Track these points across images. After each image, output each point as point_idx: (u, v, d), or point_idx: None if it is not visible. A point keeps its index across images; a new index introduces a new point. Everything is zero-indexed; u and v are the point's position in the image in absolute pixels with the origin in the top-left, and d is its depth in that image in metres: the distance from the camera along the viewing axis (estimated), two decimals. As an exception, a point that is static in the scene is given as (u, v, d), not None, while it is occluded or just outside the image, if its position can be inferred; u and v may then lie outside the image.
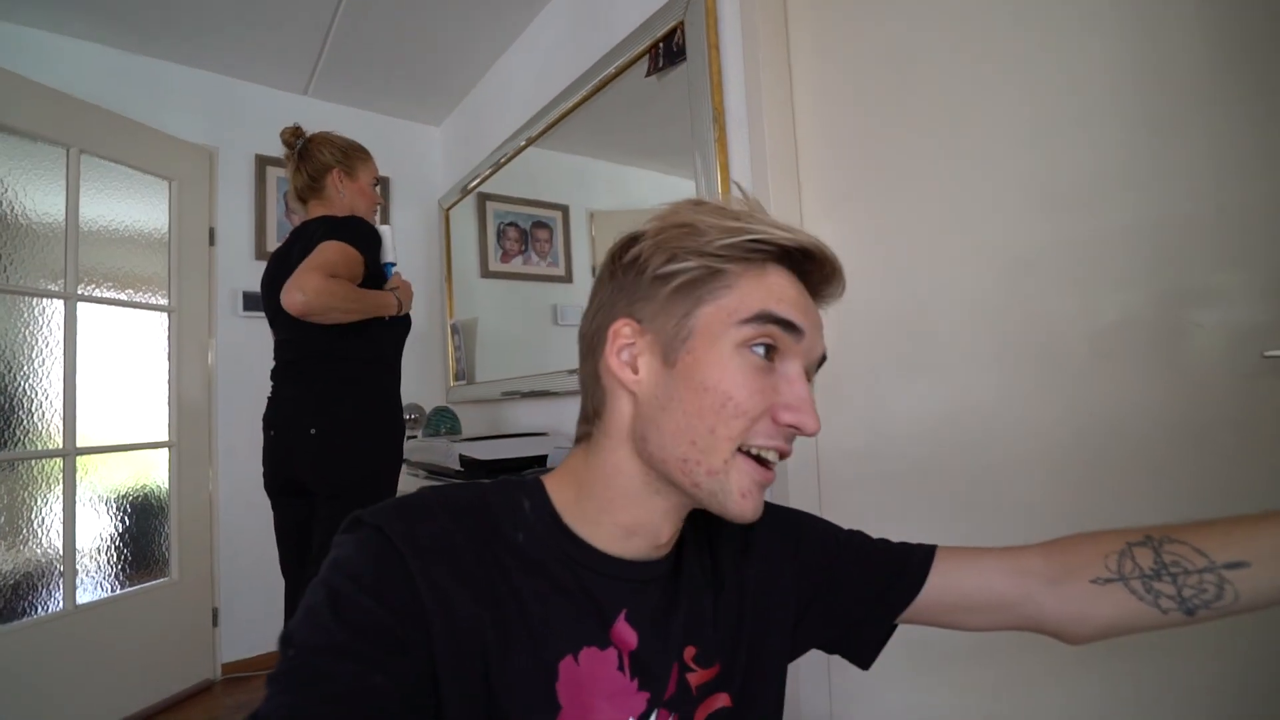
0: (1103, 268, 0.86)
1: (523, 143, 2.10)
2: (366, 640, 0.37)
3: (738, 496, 0.42)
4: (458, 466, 1.59)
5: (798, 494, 1.19)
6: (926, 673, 1.06)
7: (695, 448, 0.42)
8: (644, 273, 0.45)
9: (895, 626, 0.54)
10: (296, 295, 1.23)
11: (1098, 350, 0.87)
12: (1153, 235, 0.82)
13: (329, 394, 1.40)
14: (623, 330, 0.45)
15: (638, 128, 1.65)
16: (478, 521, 0.44)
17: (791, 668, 0.54)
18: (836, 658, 0.57)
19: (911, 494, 1.09)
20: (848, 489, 1.20)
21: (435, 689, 0.39)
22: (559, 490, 0.48)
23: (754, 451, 0.42)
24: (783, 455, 0.44)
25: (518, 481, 0.49)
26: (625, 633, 0.44)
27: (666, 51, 1.47)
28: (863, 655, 0.55)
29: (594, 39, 1.76)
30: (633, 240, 0.46)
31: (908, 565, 0.53)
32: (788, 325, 0.43)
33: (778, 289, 0.44)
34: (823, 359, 0.47)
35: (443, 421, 2.36)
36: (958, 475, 1.03)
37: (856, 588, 0.54)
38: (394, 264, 1.53)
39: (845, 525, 0.58)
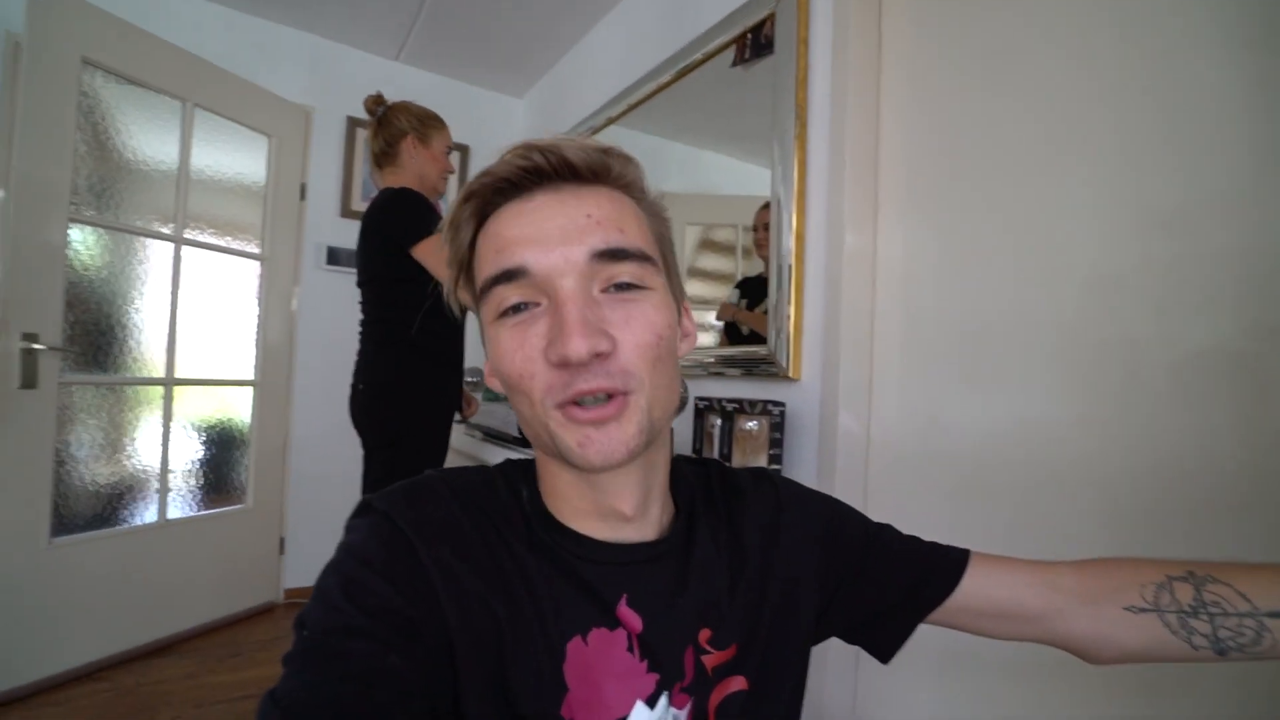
0: (1190, 293, 0.84)
1: (603, 121, 2.13)
2: (380, 622, 0.37)
3: (576, 449, 0.40)
4: (515, 434, 1.67)
5: (843, 487, 1.20)
6: (955, 683, 1.08)
7: (530, 425, 0.43)
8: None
9: (918, 624, 0.54)
10: None
11: (1178, 379, 0.85)
12: (1246, 263, 0.79)
13: (375, 353, 1.51)
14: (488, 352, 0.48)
15: (718, 113, 1.65)
16: (484, 506, 0.45)
17: (818, 663, 0.53)
18: (865, 656, 0.57)
19: (961, 507, 1.10)
20: (894, 491, 1.21)
21: (452, 672, 0.39)
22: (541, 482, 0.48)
23: (560, 402, 0.40)
24: (600, 392, 0.39)
25: (521, 466, 0.49)
26: (629, 616, 0.44)
27: (755, 42, 1.47)
28: (884, 649, 0.55)
29: (682, 23, 1.76)
30: None
31: (941, 566, 0.52)
32: (505, 276, 0.40)
33: (497, 240, 0.42)
34: (606, 253, 0.41)
35: (501, 386, 2.45)
36: (1011, 495, 1.02)
37: (887, 582, 0.53)
38: None
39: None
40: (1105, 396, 0.92)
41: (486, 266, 0.42)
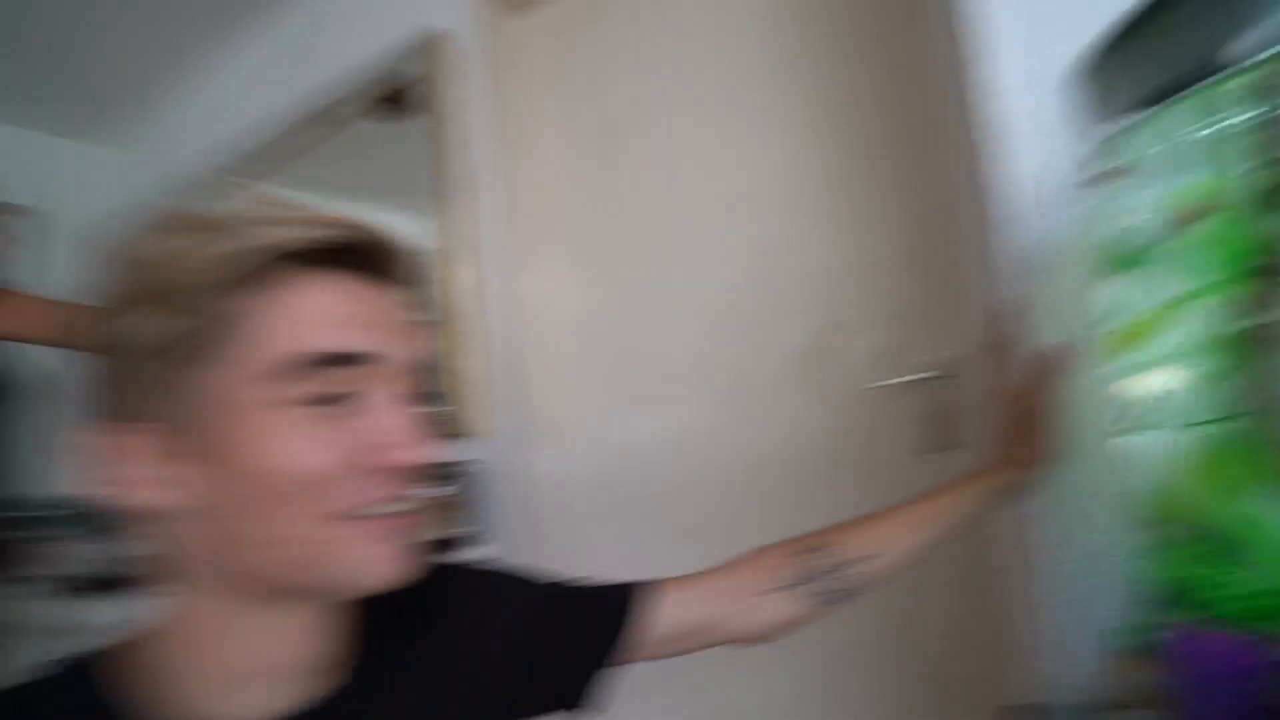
0: (772, 308, 1.08)
1: (224, 175, 1.84)
2: None
3: (371, 568, 0.34)
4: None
5: (548, 530, 1.19)
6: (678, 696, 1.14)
7: (279, 546, 0.33)
8: (113, 349, 0.34)
9: (609, 670, 0.52)
10: None
11: (771, 380, 1.07)
12: (809, 284, 1.05)
13: None
14: (106, 440, 0.34)
15: (372, 170, 1.60)
16: None
17: None
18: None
19: (638, 520, 1.19)
20: (575, 520, 1.24)
21: None
22: (134, 663, 0.36)
23: (362, 514, 0.34)
24: (406, 500, 0.36)
25: (79, 662, 0.37)
26: None
27: (397, 101, 1.45)
28: (590, 703, 0.52)
29: (317, 75, 1.62)
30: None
31: (609, 610, 0.52)
32: (342, 359, 0.33)
33: (320, 314, 0.34)
34: (422, 362, 0.38)
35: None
36: (675, 500, 1.16)
37: (568, 641, 0.52)
38: None
39: (571, 554, 0.58)
40: (728, 404, 1.12)
41: (301, 339, 0.33)
